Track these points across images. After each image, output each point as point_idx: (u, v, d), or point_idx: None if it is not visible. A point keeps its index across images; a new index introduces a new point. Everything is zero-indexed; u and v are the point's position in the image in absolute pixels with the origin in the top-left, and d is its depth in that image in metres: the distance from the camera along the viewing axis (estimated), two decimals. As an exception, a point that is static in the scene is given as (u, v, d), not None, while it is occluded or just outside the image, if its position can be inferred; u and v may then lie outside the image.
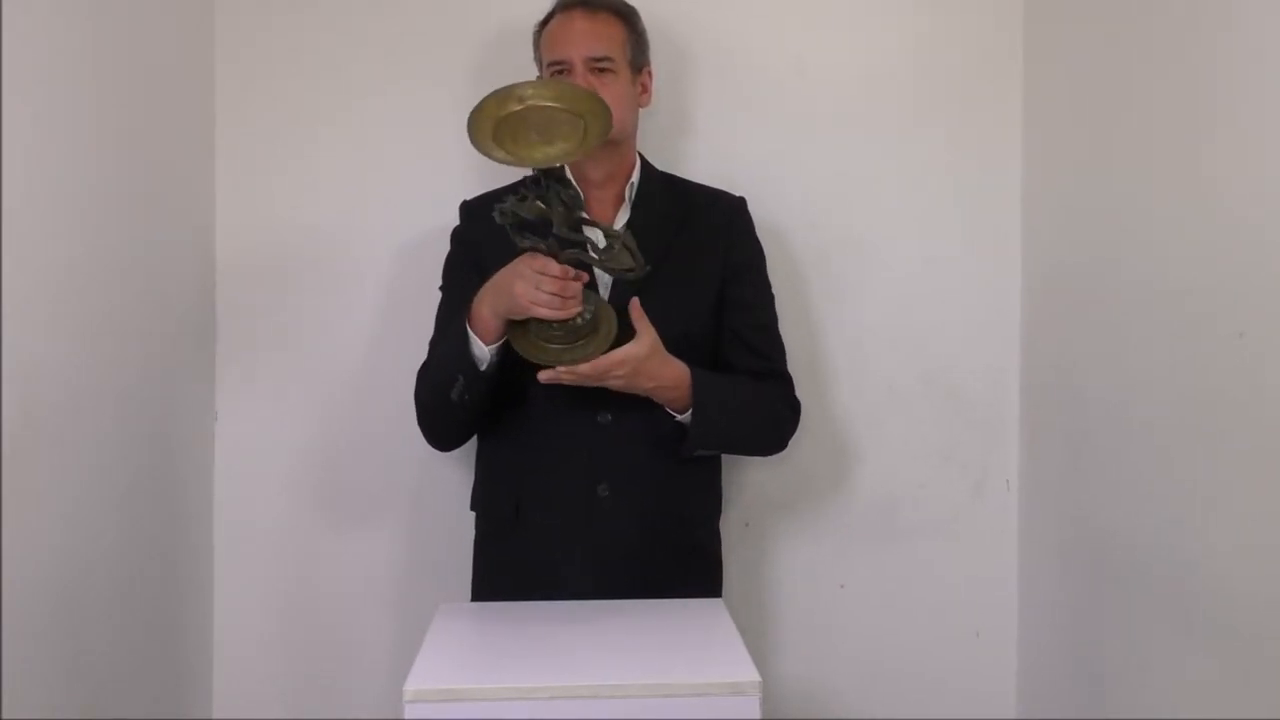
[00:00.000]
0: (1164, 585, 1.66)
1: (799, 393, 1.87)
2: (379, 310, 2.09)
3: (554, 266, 1.57)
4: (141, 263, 1.82)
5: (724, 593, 1.87)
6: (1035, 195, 2.10)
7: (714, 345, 1.81)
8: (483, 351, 1.66)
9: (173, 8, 1.95)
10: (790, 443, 1.87)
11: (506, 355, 1.67)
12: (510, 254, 1.62)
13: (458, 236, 1.87)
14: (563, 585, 1.71)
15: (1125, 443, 1.77)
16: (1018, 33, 2.13)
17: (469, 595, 1.86)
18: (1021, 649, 2.14)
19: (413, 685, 1.30)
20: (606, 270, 1.63)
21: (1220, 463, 1.53)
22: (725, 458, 1.92)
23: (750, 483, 2.12)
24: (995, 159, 2.13)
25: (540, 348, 1.64)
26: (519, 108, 1.51)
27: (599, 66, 1.76)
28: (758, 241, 1.90)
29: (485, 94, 1.51)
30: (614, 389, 1.65)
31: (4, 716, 1.41)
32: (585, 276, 1.62)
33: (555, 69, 1.77)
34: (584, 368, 1.60)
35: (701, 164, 2.05)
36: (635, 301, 1.66)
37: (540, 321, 1.61)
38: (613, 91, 1.73)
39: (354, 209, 2.08)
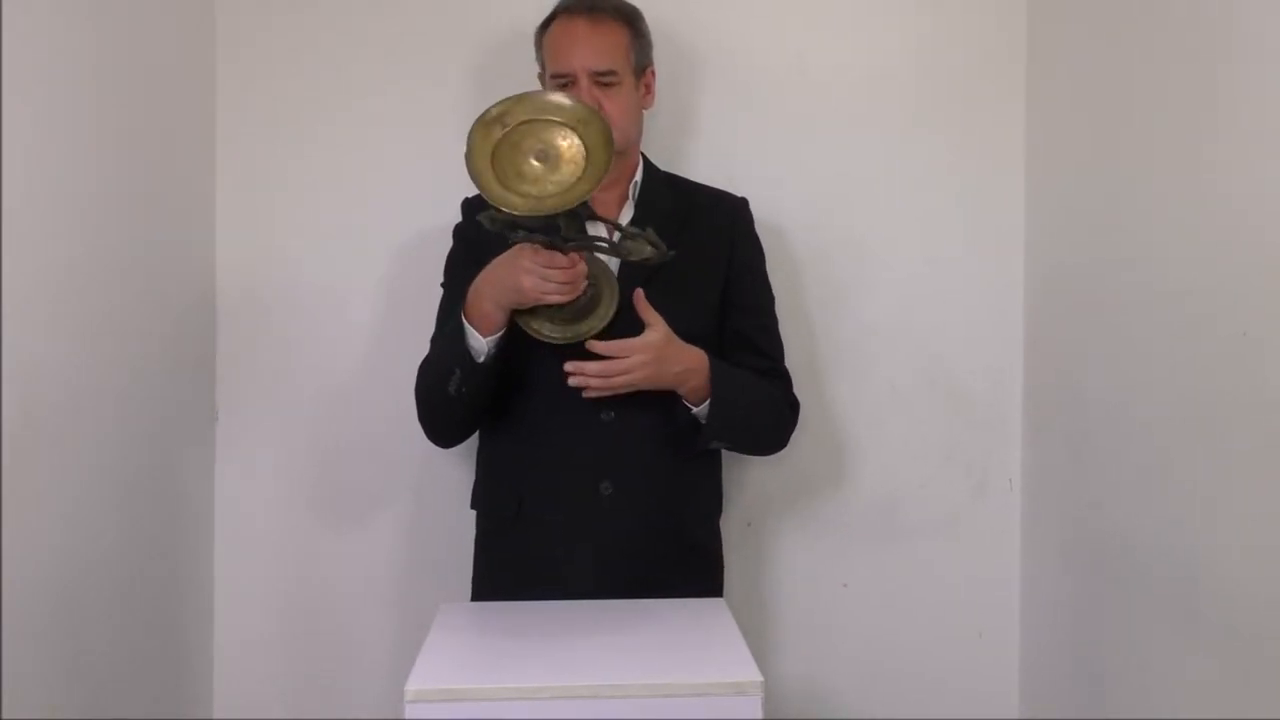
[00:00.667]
0: (1166, 585, 1.65)
1: (800, 392, 1.87)
2: (379, 310, 2.09)
3: (559, 259, 1.58)
4: (141, 263, 1.81)
5: (725, 592, 1.87)
6: (1038, 195, 2.10)
7: (715, 345, 1.81)
8: (480, 343, 1.66)
9: (173, 8, 1.95)
10: (791, 442, 1.87)
11: (505, 347, 1.68)
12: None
13: (460, 233, 1.86)
14: (564, 583, 1.71)
15: (1128, 443, 1.77)
16: (1020, 33, 2.12)
17: (469, 594, 1.86)
18: (1024, 649, 2.14)
19: (414, 685, 1.30)
20: (623, 258, 1.63)
21: (1222, 463, 1.52)
22: (726, 457, 1.92)
23: (751, 482, 2.12)
24: (998, 159, 2.13)
25: (549, 326, 1.66)
26: (503, 132, 1.52)
27: (603, 81, 1.75)
28: (759, 242, 1.91)
29: (471, 126, 1.52)
30: (643, 387, 1.65)
31: (4, 716, 1.41)
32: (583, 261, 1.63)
33: (558, 81, 1.76)
34: (612, 365, 1.61)
35: (703, 164, 2.05)
36: (640, 293, 1.66)
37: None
38: (617, 104, 1.73)
39: (354, 209, 2.08)
